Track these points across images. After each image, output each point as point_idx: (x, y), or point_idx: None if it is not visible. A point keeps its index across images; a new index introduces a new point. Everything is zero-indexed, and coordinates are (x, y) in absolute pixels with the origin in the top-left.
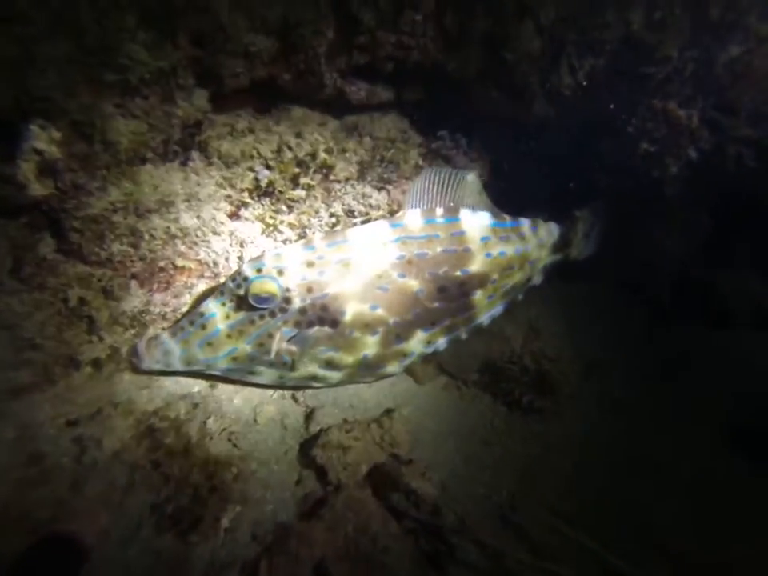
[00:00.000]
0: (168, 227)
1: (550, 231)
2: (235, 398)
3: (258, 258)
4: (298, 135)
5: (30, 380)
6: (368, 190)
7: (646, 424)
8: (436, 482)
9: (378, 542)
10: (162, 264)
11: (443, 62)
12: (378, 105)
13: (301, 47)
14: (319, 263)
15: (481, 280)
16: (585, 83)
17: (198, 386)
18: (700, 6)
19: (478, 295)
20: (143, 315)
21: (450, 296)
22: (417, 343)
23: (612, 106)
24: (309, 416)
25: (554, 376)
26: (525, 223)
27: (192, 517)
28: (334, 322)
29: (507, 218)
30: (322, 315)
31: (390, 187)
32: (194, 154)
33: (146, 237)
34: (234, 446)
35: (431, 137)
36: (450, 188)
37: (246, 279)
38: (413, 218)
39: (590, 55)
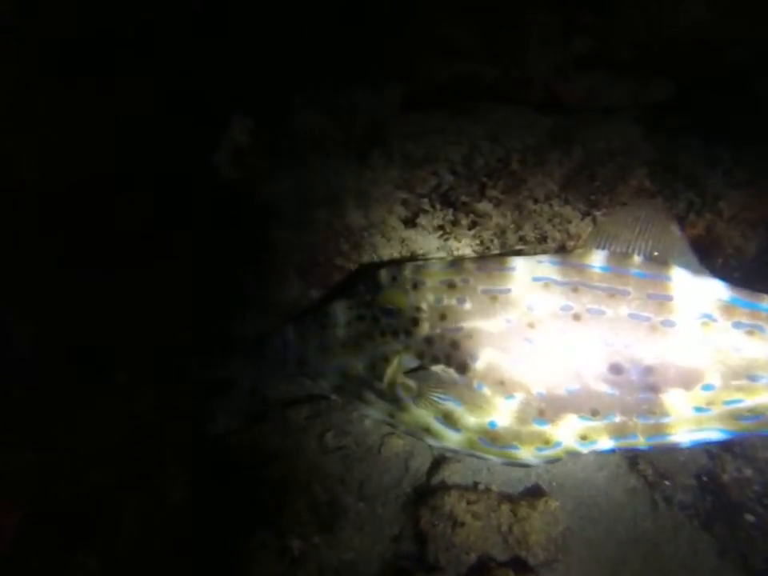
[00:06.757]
0: (330, 221)
1: None
2: (367, 420)
3: (398, 266)
4: (494, 140)
5: None
6: (569, 213)
7: None
8: None
9: None
10: (320, 259)
11: (716, 38)
12: (603, 107)
13: (504, 32)
14: (462, 288)
15: (686, 377)
16: None
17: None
18: None
19: (677, 399)
20: (295, 309)
21: (625, 382)
22: (567, 433)
23: None
24: (437, 464)
25: None
26: None
27: None
28: (463, 366)
29: (764, 297)
30: (451, 353)
31: (597, 213)
32: (375, 151)
33: (308, 228)
34: (348, 469)
35: (673, 150)
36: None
37: (377, 285)
38: (596, 260)
39: None
